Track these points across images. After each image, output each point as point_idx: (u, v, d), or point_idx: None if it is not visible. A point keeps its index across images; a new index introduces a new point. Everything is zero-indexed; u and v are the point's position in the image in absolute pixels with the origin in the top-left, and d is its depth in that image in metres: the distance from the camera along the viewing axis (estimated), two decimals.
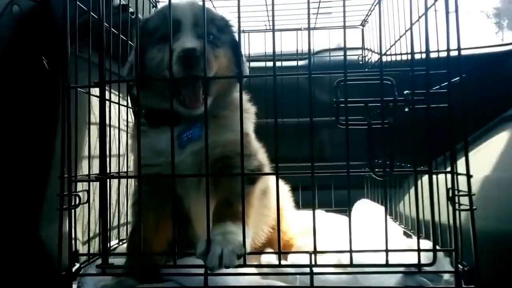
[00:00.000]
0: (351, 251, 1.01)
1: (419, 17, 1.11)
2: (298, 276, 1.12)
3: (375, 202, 1.87)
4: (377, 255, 1.01)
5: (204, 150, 1.00)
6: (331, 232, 1.50)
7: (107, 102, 1.24)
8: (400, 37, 1.49)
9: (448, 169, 1.07)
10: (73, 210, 1.13)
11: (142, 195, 1.08)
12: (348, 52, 1.14)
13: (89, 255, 1.24)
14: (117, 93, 1.61)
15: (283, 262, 1.10)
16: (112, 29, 1.42)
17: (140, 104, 1.13)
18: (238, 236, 0.98)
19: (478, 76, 1.88)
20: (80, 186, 1.27)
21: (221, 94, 1.20)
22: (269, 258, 1.28)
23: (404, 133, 1.08)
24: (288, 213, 1.51)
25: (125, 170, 1.56)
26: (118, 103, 1.56)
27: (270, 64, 2.02)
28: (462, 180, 1.03)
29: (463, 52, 1.02)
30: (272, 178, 1.17)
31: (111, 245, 1.47)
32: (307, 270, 1.02)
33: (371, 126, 1.03)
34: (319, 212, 1.85)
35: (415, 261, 1.01)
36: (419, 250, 1.01)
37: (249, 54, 2.22)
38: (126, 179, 1.56)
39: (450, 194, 1.04)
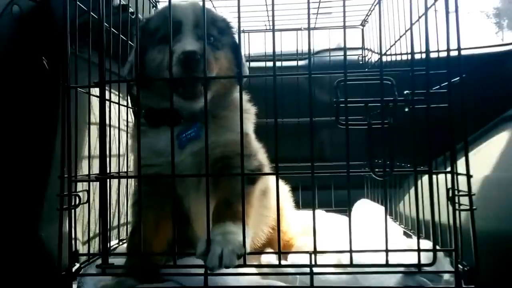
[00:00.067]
0: (351, 251, 1.01)
1: (419, 17, 1.11)
2: (298, 276, 1.12)
3: (375, 202, 1.87)
4: (377, 255, 1.01)
5: (204, 150, 1.00)
6: (331, 232, 1.50)
7: (107, 102, 1.24)
8: (400, 37, 1.49)
9: (448, 169, 1.07)
10: (73, 210, 1.13)
11: (142, 195, 1.08)
12: (348, 52, 1.14)
13: (89, 255, 1.24)
14: (117, 93, 1.61)
15: (283, 262, 1.10)
16: (112, 29, 1.42)
17: (140, 104, 1.13)
18: (238, 236, 0.99)
19: (478, 76, 1.88)
20: (80, 186, 1.27)
21: (221, 94, 1.20)
22: (269, 258, 1.28)
23: (404, 133, 1.08)
24: (288, 213, 1.51)
25: (125, 170, 1.56)
26: (118, 103, 1.56)
27: (270, 64, 2.03)
28: (462, 180, 1.03)
29: (463, 52, 1.02)
30: (272, 178, 1.17)
31: (111, 245, 1.47)
32: (307, 270, 1.02)
33: (371, 126, 1.03)
34: (319, 212, 1.85)
35: (415, 261, 1.01)
36: (419, 250, 1.01)
37: (249, 54, 2.22)
38: (126, 179, 1.56)
39: (450, 194, 1.04)
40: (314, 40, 2.81)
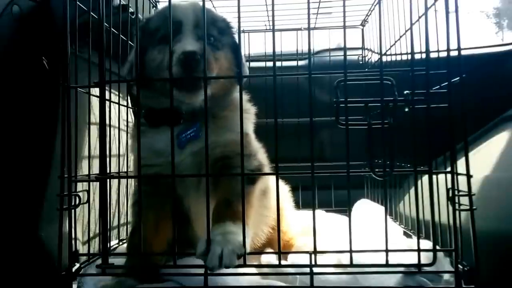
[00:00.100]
0: (351, 251, 1.01)
1: (419, 17, 1.11)
2: (298, 276, 1.12)
3: (375, 202, 1.87)
4: (377, 255, 1.01)
5: (204, 150, 1.00)
6: (331, 232, 1.50)
7: (107, 102, 1.24)
8: (400, 37, 1.49)
9: (448, 169, 1.07)
10: (73, 210, 1.13)
11: (142, 195, 1.08)
12: (348, 52, 1.14)
13: (89, 255, 1.24)
14: (117, 93, 1.61)
15: (283, 262, 1.10)
16: (112, 29, 1.42)
17: (140, 104, 1.13)
18: (238, 236, 0.99)
19: (478, 76, 1.88)
20: (80, 186, 1.27)
21: (221, 94, 1.20)
22: (269, 258, 1.28)
23: (404, 133, 1.08)
24: (288, 213, 1.51)
25: (125, 170, 1.56)
26: (118, 103, 1.56)
27: (270, 64, 2.03)
28: (462, 180, 1.03)
29: (463, 52, 1.02)
30: (272, 178, 1.17)
31: (111, 245, 1.47)
32: (307, 270, 1.02)
33: (371, 126, 1.02)
34: (319, 212, 1.85)
35: (415, 261, 1.01)
36: (419, 250, 1.01)
37: (249, 54, 2.22)
38: (126, 179, 1.56)
39: (450, 194, 1.04)
40: (314, 40, 2.81)
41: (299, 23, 2.12)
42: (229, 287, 1.07)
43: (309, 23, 1.05)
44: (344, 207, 1.81)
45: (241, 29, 1.16)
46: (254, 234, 1.28)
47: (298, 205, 1.64)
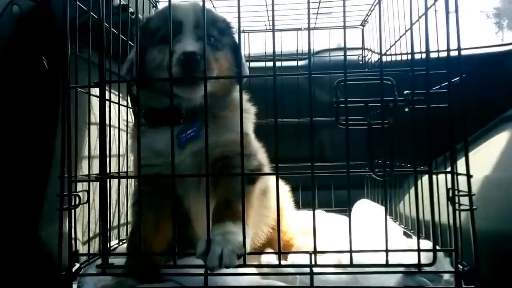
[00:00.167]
0: (351, 251, 1.01)
1: (419, 17, 1.11)
2: (298, 276, 1.12)
3: (375, 202, 1.87)
4: (377, 255, 1.01)
5: (204, 150, 1.01)
6: (331, 232, 1.50)
7: (107, 102, 1.24)
8: (400, 37, 1.49)
9: (448, 169, 1.07)
10: (73, 210, 1.13)
11: (142, 195, 1.08)
12: (348, 52, 1.14)
13: (89, 255, 1.24)
14: (117, 93, 1.61)
15: (283, 262, 1.10)
16: (112, 29, 1.42)
17: (140, 104, 1.13)
18: (238, 236, 0.98)
19: (478, 76, 1.88)
20: (80, 186, 1.27)
21: (221, 94, 1.20)
22: (269, 258, 1.28)
23: (404, 133, 1.08)
24: (288, 213, 1.51)
25: (125, 170, 1.56)
26: (118, 103, 1.56)
27: (270, 64, 2.02)
28: (462, 180, 1.03)
29: (463, 52, 1.02)
30: (272, 178, 1.17)
31: (111, 245, 1.47)
32: (307, 270, 1.02)
33: (371, 126, 1.03)
34: (319, 212, 1.85)
35: (415, 261, 1.01)
36: (419, 250, 1.01)
37: (249, 54, 2.21)
38: (126, 179, 1.56)
39: (450, 194, 1.04)
40: (314, 40, 2.81)
41: (299, 23, 2.12)
42: (229, 287, 1.07)
43: (309, 23, 1.05)
44: (344, 207, 1.81)
45: (241, 29, 1.16)
46: (254, 234, 1.28)
47: (298, 205, 1.64)
